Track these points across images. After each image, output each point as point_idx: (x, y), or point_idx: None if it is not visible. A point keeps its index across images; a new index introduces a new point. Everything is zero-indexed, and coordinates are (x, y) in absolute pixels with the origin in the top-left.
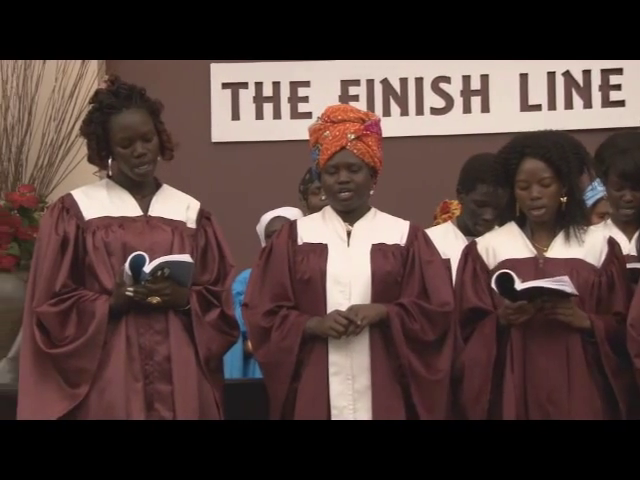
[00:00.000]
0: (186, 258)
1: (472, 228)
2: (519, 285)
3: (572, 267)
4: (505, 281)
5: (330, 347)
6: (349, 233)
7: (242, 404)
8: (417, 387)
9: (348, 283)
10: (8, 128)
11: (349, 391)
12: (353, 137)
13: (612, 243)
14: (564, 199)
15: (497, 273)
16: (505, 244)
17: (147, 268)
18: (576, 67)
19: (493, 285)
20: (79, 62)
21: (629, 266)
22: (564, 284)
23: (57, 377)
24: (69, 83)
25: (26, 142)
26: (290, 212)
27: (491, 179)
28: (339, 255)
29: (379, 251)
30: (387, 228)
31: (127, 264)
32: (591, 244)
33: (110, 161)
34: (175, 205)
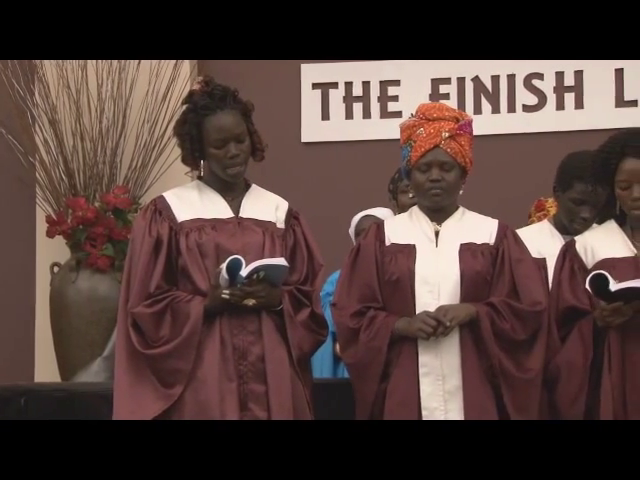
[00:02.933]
0: (282, 262)
1: (569, 226)
2: (614, 286)
3: None
4: (600, 282)
5: (420, 348)
6: (437, 233)
7: (331, 404)
8: (508, 387)
9: (437, 283)
10: (103, 131)
11: (440, 392)
12: (447, 136)
13: None
14: None
15: (592, 274)
16: (604, 243)
17: (244, 272)
18: None
19: (587, 286)
20: (172, 65)
21: None
22: None
23: (152, 377)
24: (162, 86)
25: (120, 144)
26: (381, 212)
27: (590, 178)
28: (427, 255)
29: (468, 250)
30: (476, 227)
31: (224, 267)
32: None
33: (202, 162)
34: (265, 206)
